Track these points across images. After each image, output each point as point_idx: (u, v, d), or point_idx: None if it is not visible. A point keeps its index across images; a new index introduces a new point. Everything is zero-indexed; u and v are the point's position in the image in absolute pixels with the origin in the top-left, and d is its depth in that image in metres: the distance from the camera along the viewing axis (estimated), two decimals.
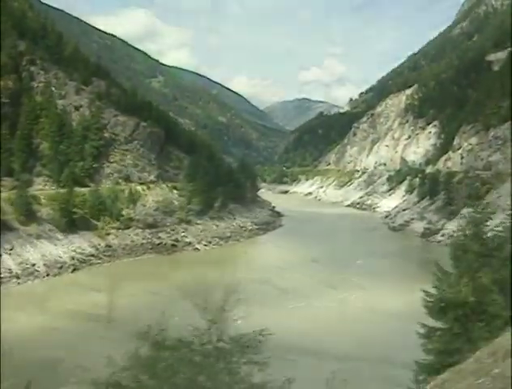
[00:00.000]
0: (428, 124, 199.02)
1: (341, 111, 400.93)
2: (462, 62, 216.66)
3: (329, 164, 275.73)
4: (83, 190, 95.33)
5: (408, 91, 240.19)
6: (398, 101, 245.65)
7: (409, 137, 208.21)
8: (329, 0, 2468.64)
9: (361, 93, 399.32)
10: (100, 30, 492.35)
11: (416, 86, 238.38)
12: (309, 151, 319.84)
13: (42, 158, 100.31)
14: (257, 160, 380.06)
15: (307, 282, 73.69)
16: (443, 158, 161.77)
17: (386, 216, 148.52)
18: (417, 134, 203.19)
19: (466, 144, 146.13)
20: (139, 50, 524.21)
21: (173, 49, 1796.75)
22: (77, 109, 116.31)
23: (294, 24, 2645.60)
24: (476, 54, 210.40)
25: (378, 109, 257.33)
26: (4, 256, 72.32)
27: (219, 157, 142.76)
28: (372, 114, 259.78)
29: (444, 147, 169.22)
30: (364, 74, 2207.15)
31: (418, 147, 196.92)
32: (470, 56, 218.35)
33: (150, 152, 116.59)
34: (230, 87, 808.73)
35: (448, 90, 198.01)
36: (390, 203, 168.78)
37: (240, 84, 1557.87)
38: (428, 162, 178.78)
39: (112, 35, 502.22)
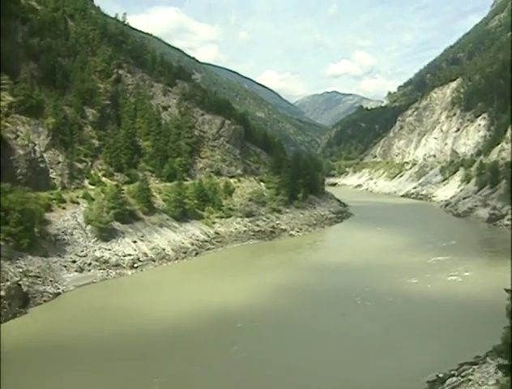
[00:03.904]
0: (477, 116, 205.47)
1: (382, 105, 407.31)
2: (507, 56, 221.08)
3: (375, 156, 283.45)
4: (185, 183, 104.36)
5: (453, 85, 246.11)
6: (442, 95, 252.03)
7: (458, 129, 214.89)
8: None
9: (400, 86, 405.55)
10: (135, 29, 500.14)
11: (460, 79, 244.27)
12: (353, 144, 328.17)
13: (144, 154, 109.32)
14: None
15: (412, 262, 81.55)
16: (496, 149, 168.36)
17: (447, 205, 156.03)
18: (466, 126, 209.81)
19: None
20: (175, 48, 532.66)
21: (203, 46, 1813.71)
22: (165, 108, 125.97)
23: (323, 17, 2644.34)
24: None
25: (423, 103, 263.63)
26: (138, 242, 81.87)
27: (297, 151, 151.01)
28: (417, 108, 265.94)
29: (495, 139, 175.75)
30: (393, 65, 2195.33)
31: (468, 139, 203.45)
32: None
33: (234, 148, 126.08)
34: (259, 82, 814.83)
35: (494, 83, 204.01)
36: (446, 192, 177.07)
37: (268, 79, 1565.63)
38: (478, 153, 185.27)
39: (148, 34, 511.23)
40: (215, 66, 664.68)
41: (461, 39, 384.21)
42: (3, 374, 38.71)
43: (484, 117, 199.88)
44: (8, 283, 57.60)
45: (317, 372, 41.16)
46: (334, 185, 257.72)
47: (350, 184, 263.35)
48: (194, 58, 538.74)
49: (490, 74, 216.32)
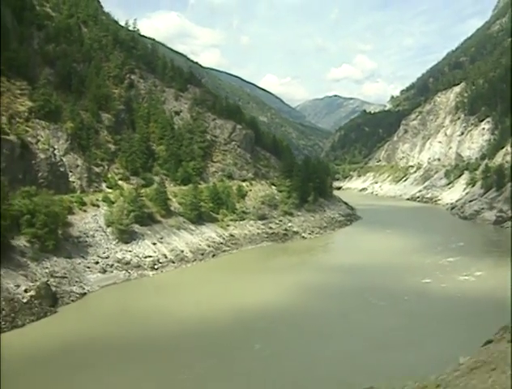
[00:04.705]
0: (481, 121, 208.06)
1: (385, 109, 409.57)
2: (510, 61, 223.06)
3: (379, 160, 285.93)
4: (200, 186, 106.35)
5: (457, 89, 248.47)
6: (446, 99, 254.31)
7: (462, 133, 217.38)
8: None
9: (402, 90, 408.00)
10: (140, 34, 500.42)
11: (463, 84, 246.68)
12: (357, 148, 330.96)
13: (158, 158, 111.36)
14: (299, 158, 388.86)
15: (423, 263, 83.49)
16: (501, 153, 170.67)
17: (453, 208, 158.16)
18: (470, 130, 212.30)
19: None
20: (179, 53, 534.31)
21: (205, 50, 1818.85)
22: (177, 113, 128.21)
23: (324, 22, 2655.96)
24: None
25: (427, 107, 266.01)
26: (158, 244, 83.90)
27: (307, 155, 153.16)
28: (421, 112, 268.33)
29: (500, 143, 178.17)
30: (394, 69, 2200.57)
31: (472, 142, 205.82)
32: None
33: (245, 152, 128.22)
34: (260, 86, 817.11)
35: (498, 88, 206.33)
36: (451, 195, 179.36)
37: (269, 83, 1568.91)
38: (483, 157, 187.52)
39: (151, 39, 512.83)
40: (217, 70, 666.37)
41: (463, 43, 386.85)
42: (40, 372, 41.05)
43: (488, 121, 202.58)
44: (37, 283, 59.62)
45: (342, 365, 43.10)
46: (338, 188, 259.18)
47: (355, 188, 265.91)
48: (197, 63, 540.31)
49: (493, 79, 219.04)
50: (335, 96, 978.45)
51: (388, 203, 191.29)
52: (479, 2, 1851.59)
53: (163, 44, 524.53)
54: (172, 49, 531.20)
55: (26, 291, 57.38)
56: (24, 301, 55.88)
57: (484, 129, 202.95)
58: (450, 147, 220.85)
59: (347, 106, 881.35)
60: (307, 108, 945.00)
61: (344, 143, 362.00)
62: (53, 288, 61.13)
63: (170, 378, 41.16)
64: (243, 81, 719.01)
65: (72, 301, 61.32)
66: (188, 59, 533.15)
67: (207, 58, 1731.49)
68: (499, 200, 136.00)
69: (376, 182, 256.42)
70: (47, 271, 64.63)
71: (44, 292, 58.71)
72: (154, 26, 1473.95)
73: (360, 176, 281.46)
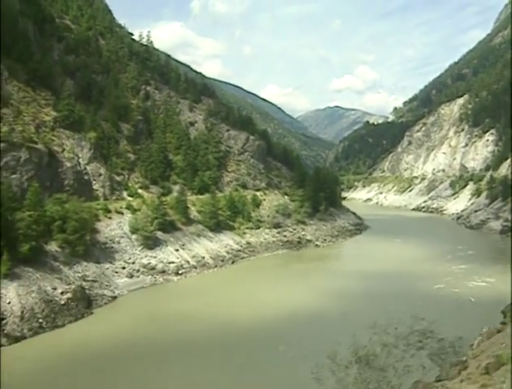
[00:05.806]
0: (485, 132, 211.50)
1: (388, 120, 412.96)
2: (510, 74, 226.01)
3: (383, 171, 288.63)
4: (216, 195, 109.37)
5: (460, 101, 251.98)
6: (450, 111, 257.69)
7: (466, 145, 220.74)
8: (359, 7, 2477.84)
9: (405, 102, 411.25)
10: (144, 45, 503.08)
11: (467, 96, 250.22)
12: (361, 159, 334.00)
13: (175, 168, 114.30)
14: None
15: (436, 271, 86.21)
16: (505, 164, 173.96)
17: (459, 217, 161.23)
18: (474, 141, 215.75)
19: None
20: (183, 64, 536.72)
21: (207, 60, 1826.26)
22: (192, 124, 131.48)
23: (326, 32, 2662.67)
24: None
25: (431, 119, 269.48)
26: (180, 251, 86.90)
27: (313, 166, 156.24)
28: (425, 123, 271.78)
29: (504, 154, 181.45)
30: (396, 80, 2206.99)
31: (476, 153, 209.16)
32: None
33: (258, 162, 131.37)
34: (262, 97, 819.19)
35: (501, 100, 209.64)
36: (456, 205, 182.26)
37: (271, 93, 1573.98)
38: (487, 168, 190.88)
39: (155, 49, 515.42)
40: (219, 80, 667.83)
41: (465, 55, 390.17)
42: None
43: (492, 133, 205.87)
44: (73, 286, 62.60)
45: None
46: (343, 199, 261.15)
47: (359, 198, 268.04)
48: (200, 73, 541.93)
49: (497, 91, 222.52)
50: (337, 106, 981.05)
51: (394, 213, 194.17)
52: (480, 14, 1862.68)
53: (168, 55, 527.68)
54: (175, 59, 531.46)
55: (62, 293, 60.31)
56: (62, 302, 58.90)
57: (488, 140, 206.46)
58: (455, 158, 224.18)
59: (348, 117, 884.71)
60: (308, 118, 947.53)
61: (348, 153, 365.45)
62: (87, 291, 64.10)
63: (202, 376, 43.94)
64: (245, 92, 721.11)
65: (105, 303, 64.58)
66: (191, 69, 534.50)
67: (209, 68, 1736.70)
68: (505, 210, 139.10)
69: (381, 193, 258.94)
70: (79, 275, 67.73)
71: (80, 295, 61.78)
72: (158, 36, 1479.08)
73: (364, 186, 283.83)
